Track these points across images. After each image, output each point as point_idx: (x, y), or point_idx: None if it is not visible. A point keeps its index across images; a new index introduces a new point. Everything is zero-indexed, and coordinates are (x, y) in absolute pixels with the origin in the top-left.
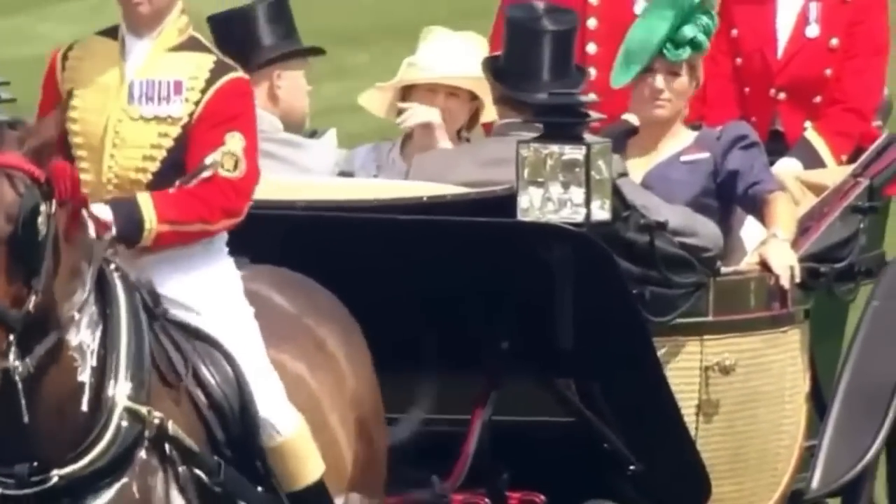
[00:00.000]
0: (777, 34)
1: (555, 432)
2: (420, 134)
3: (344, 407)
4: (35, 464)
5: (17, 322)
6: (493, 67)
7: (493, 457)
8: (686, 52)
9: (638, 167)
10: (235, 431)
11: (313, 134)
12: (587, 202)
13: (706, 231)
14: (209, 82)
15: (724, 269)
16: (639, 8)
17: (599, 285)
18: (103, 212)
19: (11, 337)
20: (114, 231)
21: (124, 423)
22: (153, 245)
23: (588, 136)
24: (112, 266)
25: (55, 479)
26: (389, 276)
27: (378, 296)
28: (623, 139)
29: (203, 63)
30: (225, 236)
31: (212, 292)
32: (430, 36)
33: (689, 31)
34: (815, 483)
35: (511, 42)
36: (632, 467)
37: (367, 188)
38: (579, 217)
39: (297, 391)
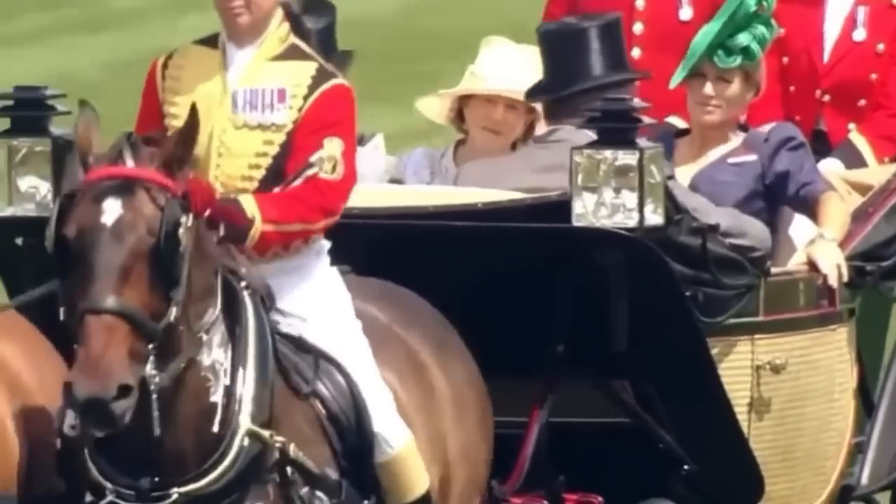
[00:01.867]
0: (824, 36)
1: (610, 433)
2: (483, 140)
3: (433, 419)
4: (157, 479)
5: (157, 333)
6: (535, 88)
7: (550, 459)
8: (737, 60)
9: (686, 170)
10: (352, 443)
11: (360, 139)
12: (640, 207)
13: (754, 231)
14: (311, 89)
15: (773, 270)
16: (685, 14)
17: (653, 288)
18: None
19: (151, 346)
20: (222, 232)
21: (246, 445)
22: (257, 246)
23: (641, 141)
24: (243, 283)
25: (174, 497)
26: (445, 282)
27: (433, 301)
28: (671, 141)
29: (306, 70)
30: (327, 247)
31: (323, 303)
32: (491, 45)
33: (743, 38)
34: (864, 479)
35: (553, 51)
36: (686, 467)
37: (421, 195)
38: (632, 222)
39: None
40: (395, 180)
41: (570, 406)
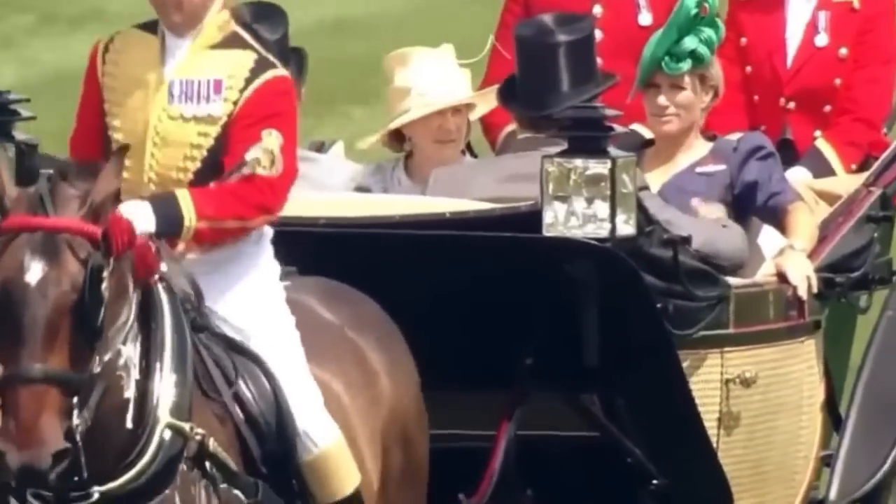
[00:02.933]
0: (786, 43)
1: (579, 447)
2: (438, 151)
3: (377, 424)
4: (76, 479)
5: (83, 385)
6: (508, 91)
7: (518, 472)
8: (686, 65)
9: (654, 179)
10: (272, 448)
11: (321, 146)
12: (612, 217)
13: (726, 245)
14: (249, 80)
15: (742, 281)
16: (644, 19)
17: (625, 300)
18: (143, 209)
19: (75, 399)
20: (153, 228)
21: (166, 438)
22: (191, 242)
23: (612, 150)
24: (156, 276)
25: (95, 496)
26: (413, 292)
27: (402, 312)
28: (638, 151)
29: (244, 61)
30: (269, 246)
31: (254, 302)
32: (409, 59)
33: (689, 42)
34: (832, 494)
35: (524, 61)
36: (655, 482)
37: (389, 204)
38: (604, 232)
39: (329, 407)
40: (362, 188)
41: (539, 420)
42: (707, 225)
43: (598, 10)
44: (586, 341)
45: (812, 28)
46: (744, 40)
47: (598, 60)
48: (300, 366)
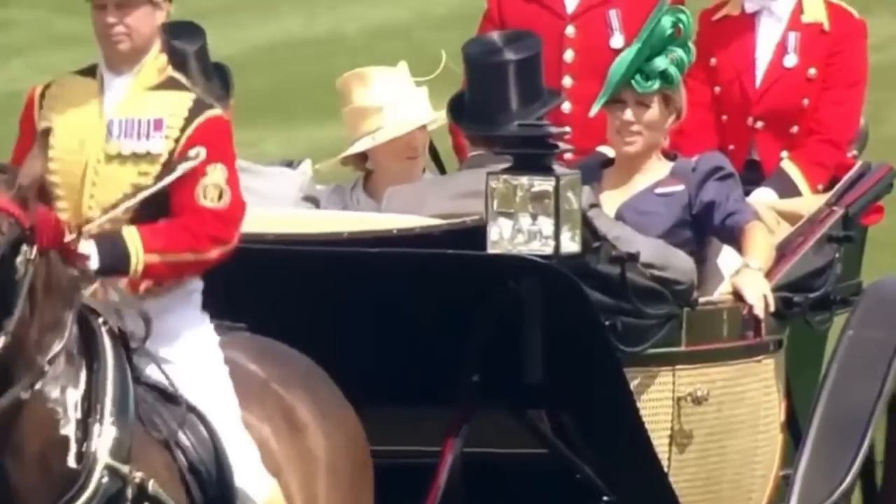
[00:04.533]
0: (756, 63)
1: (527, 464)
2: (404, 167)
3: (309, 476)
4: None
5: None
6: (458, 107)
7: (465, 490)
8: (655, 84)
9: (613, 199)
10: (213, 495)
11: (289, 165)
12: (556, 234)
13: (679, 264)
14: (188, 120)
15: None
16: (616, 42)
17: (569, 317)
18: (87, 247)
19: None
20: (97, 265)
21: (105, 480)
22: (144, 277)
23: (557, 168)
24: (100, 320)
25: None
26: (360, 308)
27: (348, 328)
28: (598, 170)
29: (182, 101)
30: (199, 298)
31: (191, 352)
32: (367, 79)
33: (660, 62)
34: None
35: (473, 79)
36: (605, 498)
37: (338, 221)
38: (548, 249)
39: (264, 455)
40: (310, 198)
41: (487, 436)
42: (658, 242)
43: (570, 30)
44: (530, 358)
45: (781, 49)
46: (713, 60)
47: (568, 79)
48: (237, 421)
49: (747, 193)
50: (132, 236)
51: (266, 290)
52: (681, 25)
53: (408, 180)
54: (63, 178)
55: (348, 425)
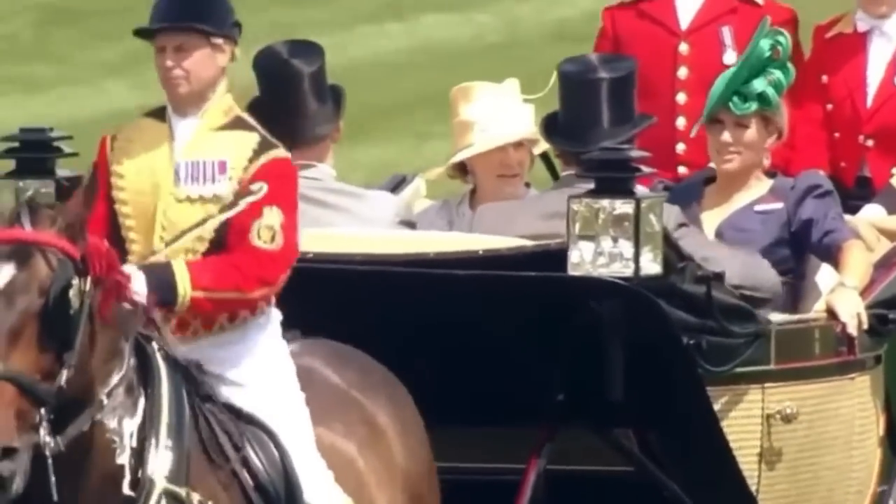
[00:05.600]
0: (867, 82)
1: (613, 481)
2: (501, 185)
3: (393, 486)
4: None
5: (48, 395)
6: (551, 124)
7: None
8: (752, 106)
9: (713, 216)
10: None
11: (402, 181)
12: (636, 256)
13: (764, 280)
14: (252, 160)
15: (786, 317)
16: (729, 58)
17: (650, 337)
18: (137, 278)
19: (43, 411)
20: (146, 297)
21: None
22: (190, 312)
23: (639, 190)
24: (155, 345)
25: None
26: (447, 329)
27: (436, 347)
28: (701, 187)
29: (247, 142)
30: (278, 316)
31: (263, 373)
32: (472, 94)
33: (758, 84)
34: None
35: (567, 96)
36: None
37: (425, 241)
38: (629, 271)
39: (345, 473)
40: (407, 222)
41: (573, 453)
42: (745, 259)
43: (684, 47)
44: (612, 377)
45: (893, 68)
46: (825, 78)
47: (682, 96)
48: (308, 435)
49: (857, 209)
50: (181, 271)
51: (354, 311)
52: (779, 48)
53: (504, 197)
54: (136, 222)
55: (421, 430)
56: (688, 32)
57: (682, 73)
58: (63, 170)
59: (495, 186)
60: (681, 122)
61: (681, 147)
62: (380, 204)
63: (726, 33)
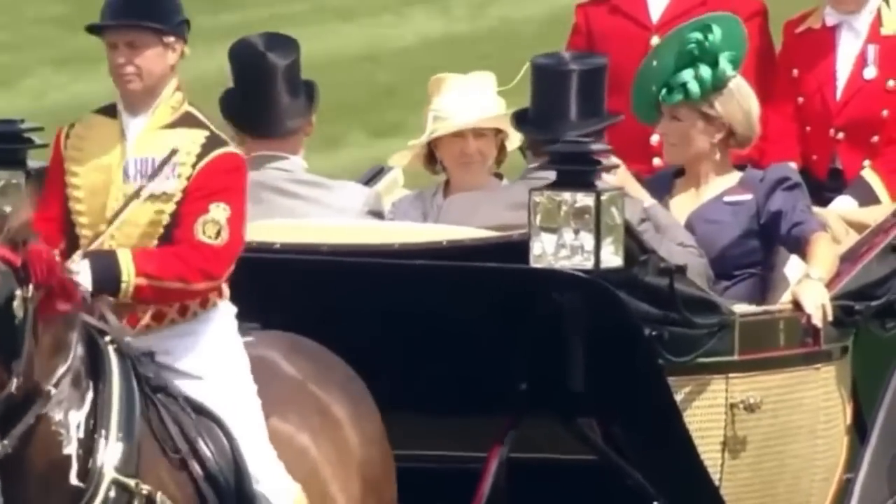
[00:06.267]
0: (836, 76)
1: (577, 470)
2: (461, 174)
3: (347, 474)
4: None
5: None
6: (521, 116)
7: (514, 495)
8: (678, 96)
9: (683, 208)
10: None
11: (380, 171)
12: (597, 249)
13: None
14: (200, 157)
15: (750, 309)
16: None
17: (611, 329)
18: (83, 266)
19: None
20: (90, 285)
21: (112, 495)
22: (134, 299)
23: (600, 183)
24: (107, 338)
25: None
26: (412, 319)
27: (401, 337)
28: (671, 180)
29: (195, 139)
30: (231, 309)
31: (214, 364)
32: (443, 85)
33: (684, 76)
34: None
35: (537, 87)
36: (655, 503)
37: (392, 232)
38: (589, 263)
39: (298, 462)
40: (376, 212)
41: (536, 442)
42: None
43: (655, 40)
44: (573, 368)
45: (861, 61)
46: (796, 72)
47: None
48: (258, 425)
49: (829, 201)
50: (126, 258)
51: (320, 300)
52: (706, 44)
53: (467, 186)
54: (88, 218)
55: (377, 422)
56: (659, 26)
57: None
58: (35, 161)
59: (459, 175)
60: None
61: (655, 139)
62: (348, 194)
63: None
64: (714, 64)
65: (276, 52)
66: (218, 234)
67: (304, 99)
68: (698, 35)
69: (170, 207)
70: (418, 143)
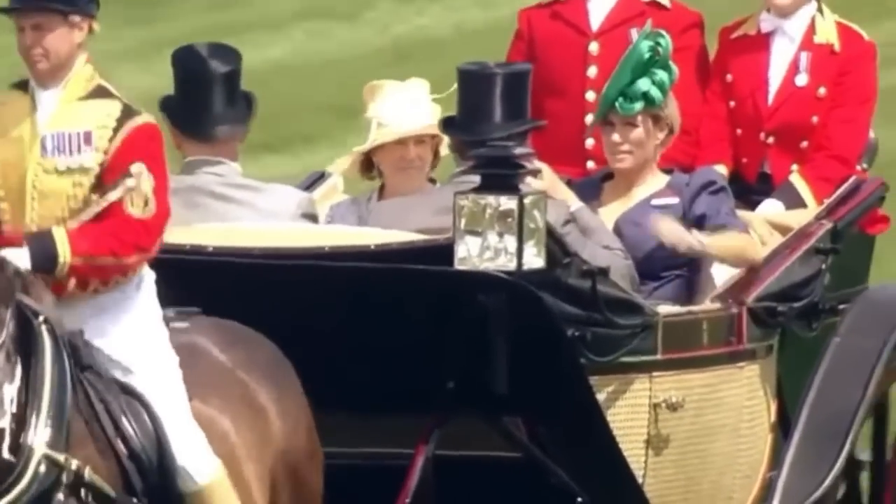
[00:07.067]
0: (769, 81)
1: (502, 467)
2: (402, 179)
3: (265, 461)
4: None
5: None
6: (449, 120)
7: (440, 492)
8: (638, 106)
9: (612, 211)
10: (153, 480)
11: (321, 177)
12: (519, 251)
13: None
14: (116, 129)
15: (673, 309)
16: None
17: (533, 329)
18: (22, 249)
19: None
20: (29, 264)
21: (42, 469)
22: (67, 277)
23: (523, 187)
24: (41, 318)
25: None
26: (341, 320)
27: (331, 338)
28: (600, 184)
29: (110, 111)
30: (153, 286)
31: (137, 343)
32: (380, 91)
33: (642, 84)
34: None
35: (463, 90)
36: (579, 500)
37: (323, 235)
38: (512, 265)
39: (216, 444)
40: (309, 215)
41: (461, 440)
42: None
43: (594, 47)
44: (497, 368)
45: (794, 68)
46: (729, 77)
47: (591, 94)
48: (181, 404)
49: (757, 204)
50: (62, 239)
51: (251, 302)
52: (660, 48)
53: (406, 191)
54: (6, 192)
55: (304, 412)
56: (598, 33)
57: (592, 72)
58: None
59: (398, 181)
60: (590, 118)
61: (590, 142)
62: (281, 197)
63: (635, 34)
64: (667, 67)
65: (218, 59)
66: (146, 204)
67: (242, 107)
68: (650, 43)
69: (88, 180)
70: (362, 149)
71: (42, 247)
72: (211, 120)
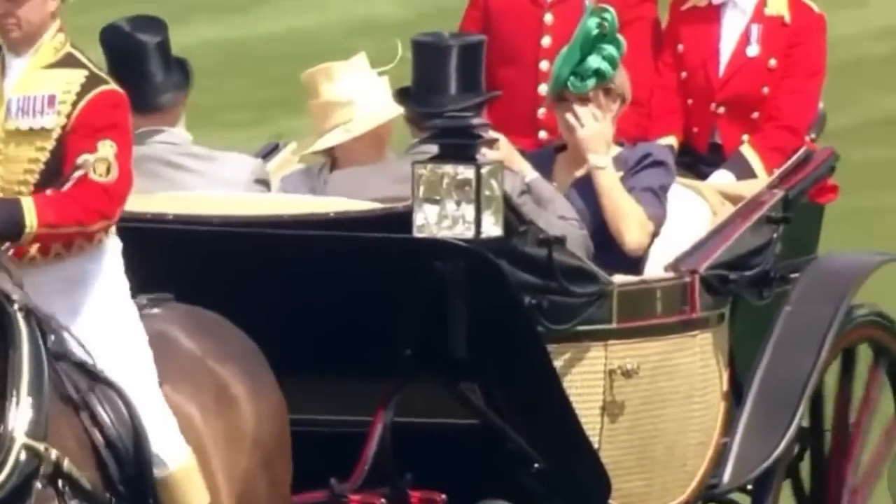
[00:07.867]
0: (720, 52)
1: (460, 433)
2: (365, 149)
3: (233, 452)
4: None
5: None
6: (404, 91)
7: (398, 458)
8: (591, 83)
9: (563, 183)
10: (129, 470)
11: (275, 148)
12: (477, 219)
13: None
14: (80, 95)
15: (627, 279)
16: None
17: (489, 296)
18: None
19: None
20: None
21: (22, 458)
22: (30, 244)
23: (480, 157)
24: (16, 305)
25: None
26: (300, 287)
27: (289, 305)
28: (553, 155)
29: (76, 78)
30: (119, 258)
31: (107, 323)
32: (335, 73)
33: (592, 61)
34: (726, 477)
35: (418, 61)
36: (536, 466)
37: (282, 203)
38: (470, 233)
39: (184, 433)
40: (261, 181)
41: (419, 406)
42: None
43: (548, 17)
44: (455, 334)
45: (745, 39)
46: (680, 47)
47: (545, 63)
48: (153, 389)
49: (707, 175)
50: (30, 208)
51: (211, 270)
52: (606, 23)
53: (358, 163)
54: None
55: (275, 400)
56: (553, 3)
57: (546, 41)
58: None
59: (367, 155)
60: (542, 88)
61: (542, 112)
62: (235, 165)
63: (589, 5)
64: (616, 41)
65: (145, 32)
66: (108, 170)
67: (179, 74)
68: (596, 19)
69: (50, 144)
70: (349, 136)
71: (10, 213)
72: (153, 90)
